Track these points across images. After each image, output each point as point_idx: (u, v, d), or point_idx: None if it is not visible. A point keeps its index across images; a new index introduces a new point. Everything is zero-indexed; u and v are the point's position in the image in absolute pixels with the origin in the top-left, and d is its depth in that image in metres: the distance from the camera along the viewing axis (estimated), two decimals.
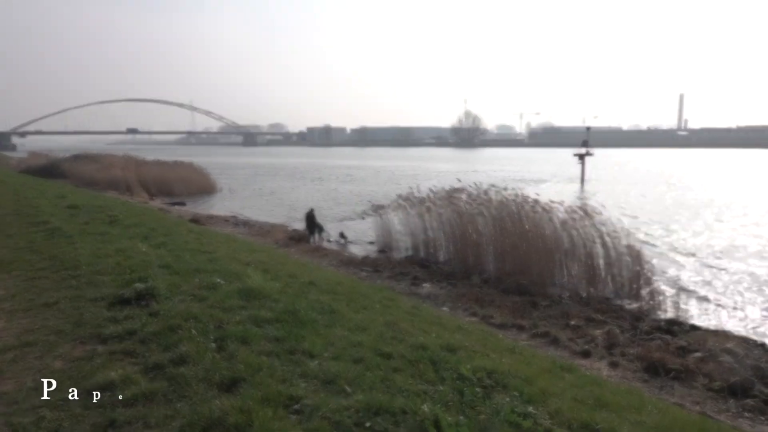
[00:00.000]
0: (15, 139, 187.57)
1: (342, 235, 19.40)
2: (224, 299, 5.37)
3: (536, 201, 13.11)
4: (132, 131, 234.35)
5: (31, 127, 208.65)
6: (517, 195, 14.00)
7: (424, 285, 12.25)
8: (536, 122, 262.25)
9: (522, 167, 66.52)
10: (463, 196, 15.37)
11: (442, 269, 13.93)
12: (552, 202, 13.09)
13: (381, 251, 16.96)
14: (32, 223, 10.48)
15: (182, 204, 29.14)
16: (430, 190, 17.13)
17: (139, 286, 5.49)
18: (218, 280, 6.11)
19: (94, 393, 3.46)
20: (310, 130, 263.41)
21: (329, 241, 18.87)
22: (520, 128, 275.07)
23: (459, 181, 19.09)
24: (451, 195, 15.89)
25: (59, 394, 3.50)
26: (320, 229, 18.98)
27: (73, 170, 40.72)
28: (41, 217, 11.24)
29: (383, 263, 14.31)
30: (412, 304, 8.09)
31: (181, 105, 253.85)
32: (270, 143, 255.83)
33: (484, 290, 11.52)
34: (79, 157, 48.12)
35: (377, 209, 18.45)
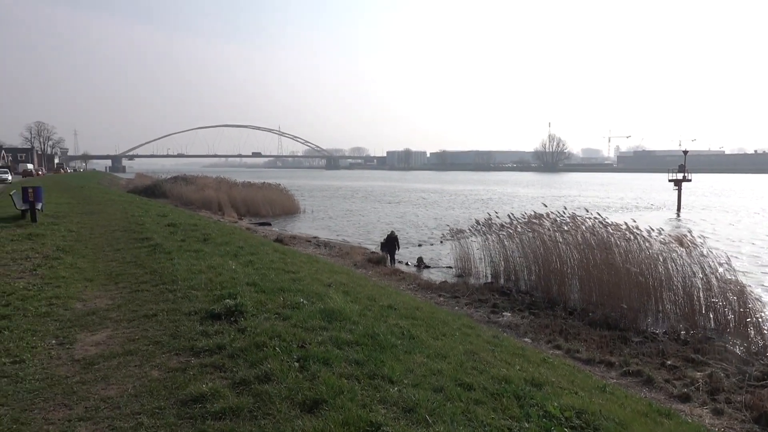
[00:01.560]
0: (125, 162, 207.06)
1: (419, 261, 19.36)
2: (307, 319, 5.50)
3: (627, 229, 12.37)
4: (226, 155, 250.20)
5: (138, 151, 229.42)
6: (605, 222, 13.30)
7: (504, 314, 11.88)
8: (626, 145, 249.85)
9: (611, 193, 63.31)
10: (547, 223, 14.84)
11: (523, 298, 13.46)
12: (645, 230, 12.29)
13: (459, 276, 16.71)
14: (137, 239, 11.40)
15: (268, 224, 30.48)
16: (511, 215, 16.72)
17: (229, 302, 5.76)
18: (301, 299, 6.28)
19: (187, 404, 3.65)
20: (390, 154, 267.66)
21: (407, 264, 18.89)
22: (607, 152, 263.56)
23: (545, 206, 18.51)
24: (533, 221, 15.41)
25: (156, 402, 3.72)
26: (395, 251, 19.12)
27: (173, 191, 44.05)
28: (145, 233, 12.19)
29: (461, 289, 14.07)
30: (493, 333, 7.85)
31: (269, 130, 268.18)
32: (351, 166, 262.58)
33: (569, 322, 10.97)
34: (178, 179, 52.06)
35: (456, 234, 18.27)
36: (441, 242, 23.84)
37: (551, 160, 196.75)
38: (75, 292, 6.82)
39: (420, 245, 23.44)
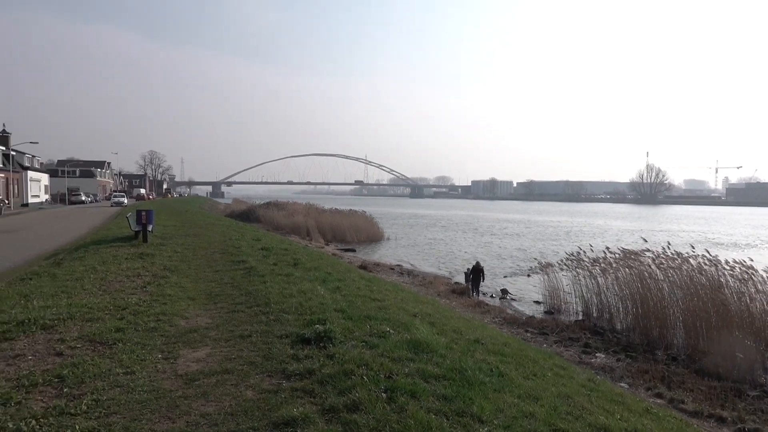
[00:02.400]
0: (223, 188, 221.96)
1: (504, 292, 18.81)
2: (393, 349, 5.49)
3: (742, 268, 11.26)
4: (314, 183, 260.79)
5: (236, 178, 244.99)
6: (715, 260, 12.20)
7: (597, 355, 11.17)
8: (736, 177, 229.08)
9: (720, 228, 58.12)
10: (646, 259, 13.88)
11: (618, 339, 12.60)
12: (763, 271, 11.12)
13: (547, 312, 16.00)
14: (234, 262, 12.08)
15: (353, 250, 31.11)
16: (607, 249, 15.82)
17: (319, 328, 5.91)
18: (387, 329, 6.30)
19: (279, 426, 3.75)
20: (475, 183, 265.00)
21: (492, 296, 18.41)
22: (714, 183, 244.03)
23: (644, 240, 17.35)
24: (630, 256, 14.47)
25: (250, 422, 3.86)
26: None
27: (266, 216, 46.41)
28: (241, 256, 12.90)
29: (550, 326, 13.44)
30: (587, 375, 7.39)
31: (357, 159, 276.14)
32: (435, 195, 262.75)
33: (672, 368, 10.09)
34: (270, 205, 54.89)
35: (544, 267, 17.58)
36: (528, 275, 23.04)
37: (649, 192, 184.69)
38: (179, 310, 7.32)
39: (505, 277, 22.78)
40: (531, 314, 15.30)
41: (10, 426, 3.73)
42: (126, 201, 66.30)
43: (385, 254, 30.56)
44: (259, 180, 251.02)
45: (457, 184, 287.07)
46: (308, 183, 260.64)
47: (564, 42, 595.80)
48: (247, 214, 50.43)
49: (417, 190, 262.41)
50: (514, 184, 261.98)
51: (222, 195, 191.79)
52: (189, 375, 4.81)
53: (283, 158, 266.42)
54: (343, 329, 6.10)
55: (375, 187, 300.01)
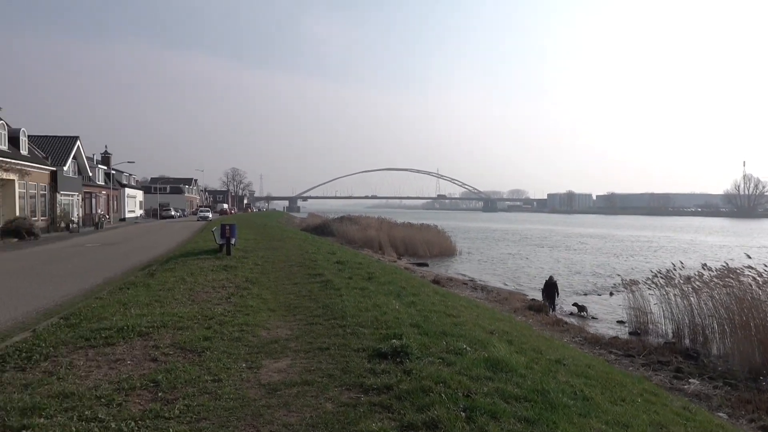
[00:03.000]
0: (299, 202, 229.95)
1: (581, 308, 17.95)
2: (471, 367, 5.39)
3: None
4: (387, 197, 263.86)
5: (311, 193, 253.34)
6: None
7: (691, 380, 10.34)
8: None
9: None
10: (747, 278, 12.75)
11: (714, 364, 11.62)
12: None
13: (632, 333, 15.06)
14: (311, 275, 12.42)
15: (425, 265, 31.00)
16: (704, 266, 14.69)
17: (395, 342, 5.92)
18: (464, 346, 6.20)
19: None
20: (551, 196, 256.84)
21: (571, 314, 17.63)
22: None
23: (749, 257, 15.97)
24: (728, 274, 13.35)
25: None
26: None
27: (339, 230, 47.42)
28: (318, 269, 13.25)
29: (636, 347, 12.63)
30: (682, 403, 6.86)
31: (428, 173, 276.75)
32: (509, 209, 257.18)
33: None
34: (344, 219, 56.05)
35: (628, 284, 16.62)
36: (610, 294, 21.88)
37: (746, 204, 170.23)
38: (261, 321, 7.62)
39: (585, 295, 21.75)
40: (614, 334, 14.48)
41: (113, 426, 4.02)
42: (210, 215, 70.36)
43: (457, 269, 30.19)
44: (333, 194, 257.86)
45: (531, 197, 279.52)
46: (380, 197, 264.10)
47: (649, 41, 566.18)
48: (321, 228, 51.77)
49: (490, 203, 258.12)
50: (594, 197, 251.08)
51: (298, 209, 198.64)
52: (271, 385, 4.98)
53: (356, 173, 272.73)
54: (419, 345, 6.08)
55: (447, 201, 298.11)
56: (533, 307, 17.58)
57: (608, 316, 17.45)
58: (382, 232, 42.68)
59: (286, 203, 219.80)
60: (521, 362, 5.90)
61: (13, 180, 33.19)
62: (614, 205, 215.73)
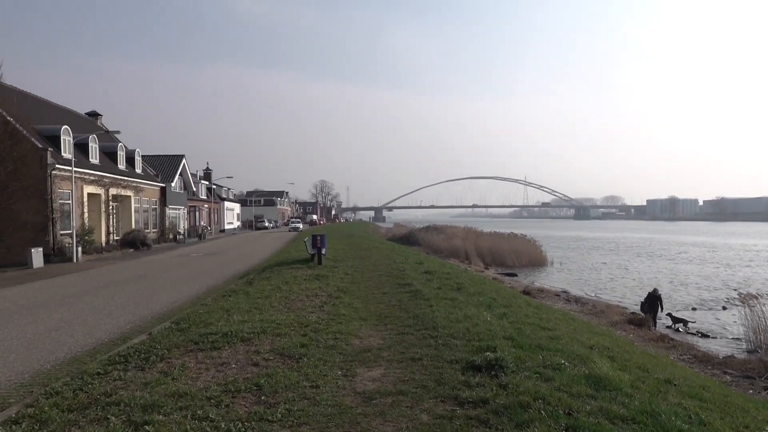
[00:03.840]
0: (384, 213, 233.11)
1: (680, 321, 16.53)
2: (571, 383, 5.15)
3: None
4: (472, 206, 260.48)
5: (396, 203, 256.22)
6: None
7: None
8: None
9: None
10: None
11: None
12: None
13: (751, 352, 13.63)
14: (400, 284, 12.52)
15: (514, 275, 30.14)
16: None
17: (489, 355, 5.80)
18: (562, 361, 5.93)
19: None
20: (651, 202, 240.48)
21: (678, 330, 16.30)
22: None
23: None
24: None
25: None
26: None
27: (425, 239, 47.42)
28: (406, 279, 13.33)
29: (757, 368, 11.40)
30: None
31: (515, 180, 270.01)
32: (603, 216, 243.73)
33: None
34: (429, 228, 56.02)
35: (746, 298, 15.10)
36: (723, 308, 20.00)
37: None
38: (353, 329, 7.78)
39: (693, 309, 20.03)
40: (729, 353, 13.19)
41: (223, 426, 4.28)
42: (301, 226, 73.23)
43: (549, 279, 29.04)
44: (418, 204, 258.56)
45: (628, 203, 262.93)
46: (465, 206, 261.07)
47: (751, 29, 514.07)
48: (407, 238, 52.07)
49: (582, 211, 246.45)
50: (700, 203, 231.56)
51: (383, 219, 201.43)
52: (366, 393, 5.06)
53: (441, 182, 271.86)
54: (514, 358, 5.91)
55: (535, 209, 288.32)
56: (633, 321, 16.47)
57: (721, 333, 15.96)
58: (468, 241, 42.14)
59: (371, 214, 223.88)
60: (626, 380, 5.54)
61: (130, 196, 36.65)
62: (724, 210, 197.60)
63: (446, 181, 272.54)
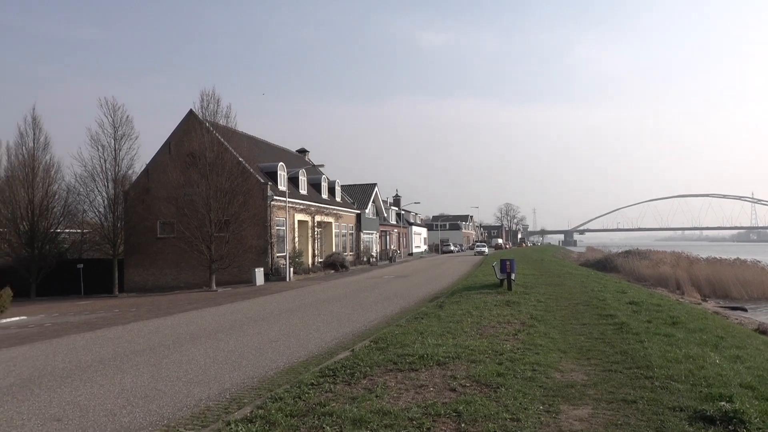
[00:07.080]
0: (575, 236, 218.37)
1: None
2: None
3: None
4: (681, 228, 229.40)
5: (589, 225, 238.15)
6: None
7: None
8: None
9: None
10: None
11: None
12: None
13: None
14: (600, 315, 11.46)
15: (742, 309, 25.40)
16: None
17: (725, 406, 4.90)
18: None
19: None
20: None
21: None
22: None
23: None
24: None
25: None
26: None
27: (624, 265, 42.96)
28: (607, 310, 12.16)
29: None
30: None
31: (739, 198, 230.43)
32: None
33: None
34: (630, 253, 50.58)
35: None
36: None
37: None
38: (552, 362, 7.30)
39: None
40: None
41: None
42: (486, 250, 72.58)
43: None
44: (614, 227, 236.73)
45: None
46: (673, 228, 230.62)
47: None
48: (602, 263, 47.88)
49: None
50: None
51: (574, 243, 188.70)
52: None
53: (642, 202, 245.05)
54: (759, 412, 4.89)
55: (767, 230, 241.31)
56: None
57: None
58: (679, 268, 37.00)
59: (561, 237, 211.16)
60: None
61: (331, 222, 40.63)
62: None
63: (649, 201, 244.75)
